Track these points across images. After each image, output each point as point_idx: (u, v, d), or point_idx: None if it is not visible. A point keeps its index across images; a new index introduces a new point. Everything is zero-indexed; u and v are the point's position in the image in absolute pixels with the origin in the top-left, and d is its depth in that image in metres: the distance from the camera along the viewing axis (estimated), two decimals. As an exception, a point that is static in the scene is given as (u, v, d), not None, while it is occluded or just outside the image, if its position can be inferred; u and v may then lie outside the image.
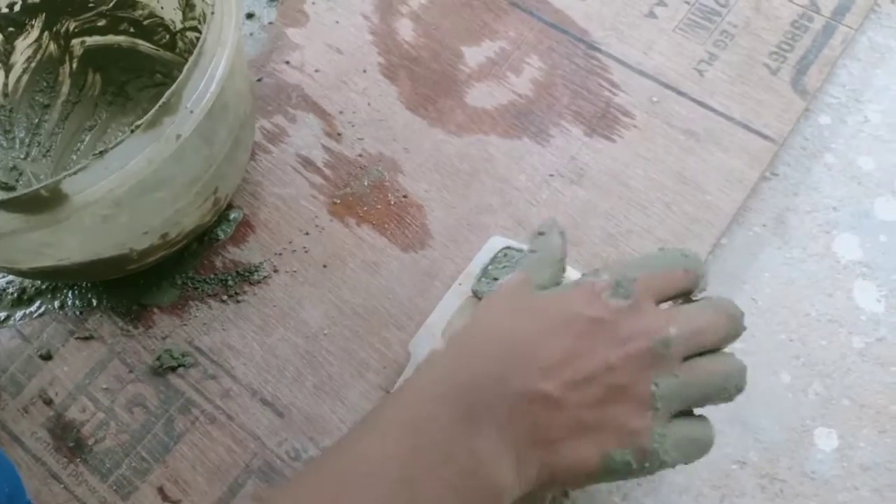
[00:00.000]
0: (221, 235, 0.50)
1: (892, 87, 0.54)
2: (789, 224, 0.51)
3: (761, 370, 0.47)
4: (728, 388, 0.37)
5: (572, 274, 0.46)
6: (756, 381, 0.46)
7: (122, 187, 0.38)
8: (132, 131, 0.36)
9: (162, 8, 0.53)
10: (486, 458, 0.32)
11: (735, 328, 0.37)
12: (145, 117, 0.37)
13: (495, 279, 0.45)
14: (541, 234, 0.41)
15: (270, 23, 0.59)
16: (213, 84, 0.39)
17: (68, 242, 0.41)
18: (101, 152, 0.36)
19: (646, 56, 0.55)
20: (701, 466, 0.44)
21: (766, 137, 0.51)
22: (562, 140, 0.52)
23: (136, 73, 0.56)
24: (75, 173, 0.36)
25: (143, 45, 0.56)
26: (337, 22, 0.59)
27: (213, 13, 0.40)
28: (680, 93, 0.53)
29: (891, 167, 0.52)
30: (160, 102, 0.37)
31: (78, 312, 0.50)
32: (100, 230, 0.41)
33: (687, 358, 0.36)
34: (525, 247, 0.46)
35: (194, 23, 0.52)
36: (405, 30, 0.58)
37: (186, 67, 0.38)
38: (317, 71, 0.56)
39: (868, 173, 0.52)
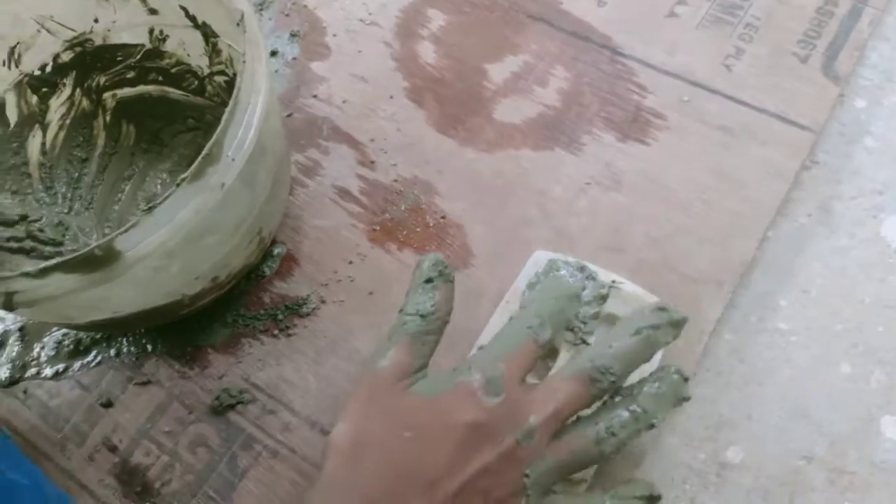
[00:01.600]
0: (267, 272, 0.52)
1: (925, 64, 0.54)
2: (835, 212, 0.51)
3: (820, 362, 0.47)
4: (601, 450, 0.39)
5: (604, 276, 0.46)
6: (816, 374, 0.46)
7: (172, 240, 0.39)
8: (178, 185, 0.38)
9: (188, 55, 0.55)
10: None
11: (596, 389, 0.39)
12: (190, 169, 0.38)
13: None
14: (427, 281, 0.41)
15: (294, 58, 0.61)
16: (251, 130, 0.41)
17: (122, 296, 0.42)
18: (150, 208, 0.38)
19: (671, 56, 0.55)
20: (767, 464, 0.44)
21: (802, 127, 0.52)
22: (595, 147, 0.53)
23: (168, 121, 0.58)
24: (127, 231, 0.37)
25: (174, 92, 0.58)
26: (359, 52, 0.60)
27: (244, 61, 0.41)
28: (710, 90, 0.54)
29: (933, 145, 0.52)
30: (203, 154, 0.38)
31: (134, 359, 0.51)
32: (153, 281, 0.42)
33: (557, 433, 0.39)
34: (572, 259, 0.47)
35: (221, 66, 0.54)
36: (427, 53, 0.59)
37: (224, 117, 0.39)
38: (344, 102, 0.58)
39: (910, 153, 0.52)
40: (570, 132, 0.54)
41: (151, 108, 0.59)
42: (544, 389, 0.39)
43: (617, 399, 0.41)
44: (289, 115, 0.58)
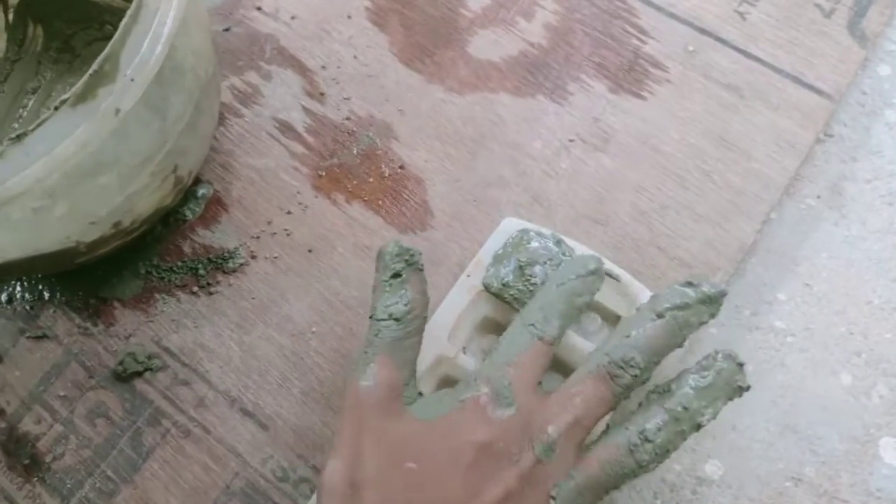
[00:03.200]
0: (189, 215, 0.43)
1: (965, 30, 0.46)
2: (847, 195, 0.43)
3: (818, 369, 0.40)
4: (637, 459, 0.32)
5: (581, 252, 0.38)
6: (812, 383, 0.40)
7: (52, 175, 0.30)
8: (56, 108, 0.28)
9: None
10: None
11: (618, 386, 0.33)
12: (73, 89, 0.29)
13: (518, 269, 0.38)
14: (395, 276, 0.34)
15: (240, -40, 0.50)
16: (159, 43, 0.31)
17: (-2, 240, 0.33)
18: (18, 136, 0.28)
19: (680, -4, 0.46)
20: (750, 482, 0.38)
21: (820, 93, 0.43)
22: (583, 98, 0.44)
23: (82, 25, 0.48)
24: (-12, 162, 0.28)
25: None
26: (318, -42, 0.50)
27: None
28: (719, 40, 0.45)
29: (964, 125, 0.44)
30: (91, 70, 0.29)
31: (28, 307, 0.43)
32: (34, 224, 0.33)
33: (584, 445, 0.33)
34: (547, 231, 0.39)
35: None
36: (397, -33, 0.49)
37: (123, 24, 0.30)
38: (293, 18, 0.48)
39: (937, 133, 0.44)
40: (556, 77, 0.45)
41: (63, 9, 0.48)
42: (560, 395, 0.33)
43: (653, 397, 0.34)
44: (226, 30, 0.48)
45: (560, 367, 0.39)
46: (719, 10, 0.46)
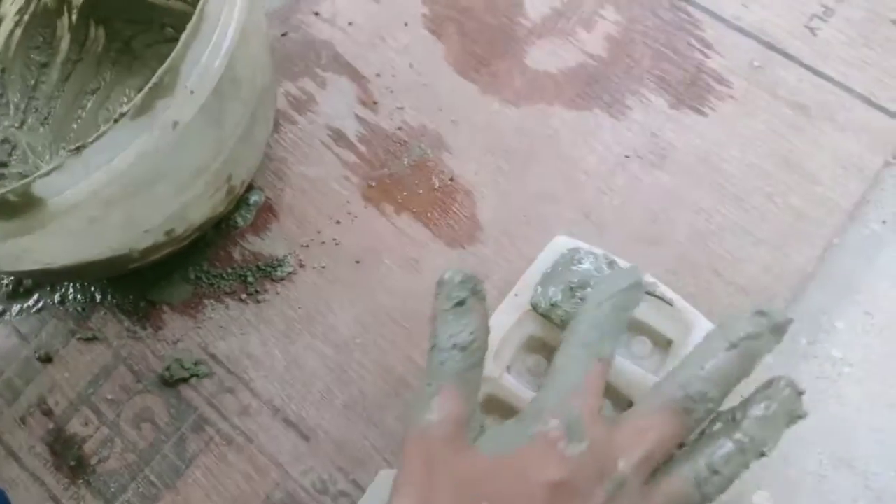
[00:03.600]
0: (241, 222, 0.43)
1: None
2: (916, 221, 0.41)
3: (876, 401, 0.38)
4: (704, 492, 0.31)
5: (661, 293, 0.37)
6: (869, 416, 0.38)
7: (109, 187, 0.30)
8: (115, 120, 0.28)
9: None
10: None
11: (692, 420, 0.31)
12: (133, 101, 0.29)
13: (568, 290, 0.37)
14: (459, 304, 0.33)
15: (297, -36, 0.50)
16: (219, 56, 0.31)
17: (52, 247, 0.33)
18: (77, 147, 0.28)
19: (746, 9, 0.44)
20: (801, 518, 0.37)
21: (892, 114, 0.41)
22: (641, 113, 0.43)
23: (142, 27, 0.48)
24: (48, 174, 0.29)
25: None
26: (374, -37, 0.49)
27: None
28: (787, 56, 0.43)
29: None
30: (151, 83, 0.29)
31: (80, 309, 0.43)
32: (89, 233, 0.33)
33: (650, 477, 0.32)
34: (598, 250, 0.38)
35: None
36: (454, -27, 0.48)
37: (184, 37, 0.29)
38: (350, 24, 0.47)
39: None
40: (614, 90, 0.44)
41: (125, 10, 0.48)
42: (631, 427, 0.31)
43: (716, 427, 0.32)
44: (283, 35, 0.47)
45: (607, 390, 0.38)
46: (789, 24, 0.44)
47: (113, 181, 0.30)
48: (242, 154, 0.38)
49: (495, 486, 0.30)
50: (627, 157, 0.42)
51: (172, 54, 0.30)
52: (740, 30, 0.44)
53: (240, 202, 0.43)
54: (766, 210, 0.40)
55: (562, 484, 0.29)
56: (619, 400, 0.37)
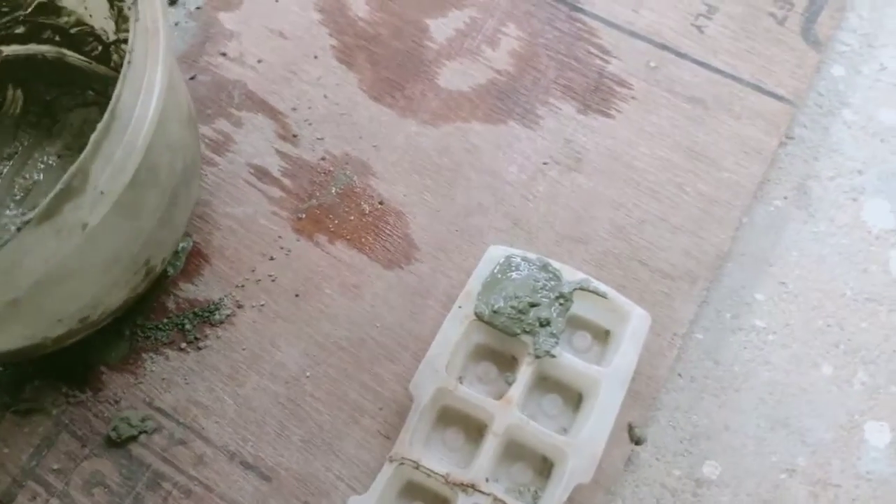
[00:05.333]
0: (171, 271, 0.41)
1: (906, 28, 0.47)
2: (813, 194, 0.44)
3: (801, 363, 0.40)
4: None
5: (569, 275, 0.38)
6: (796, 377, 0.40)
7: (15, 291, 0.28)
8: (18, 229, 0.27)
9: (91, 16, 0.42)
10: None
11: None
12: (38, 209, 0.27)
13: (509, 296, 0.37)
14: None
15: (198, 7, 0.49)
16: (133, 151, 0.29)
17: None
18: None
19: (636, 14, 0.46)
20: (747, 479, 0.38)
21: (780, 98, 0.44)
22: (553, 120, 0.44)
23: (64, 89, 0.45)
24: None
25: (72, 56, 0.45)
26: (276, 0, 0.49)
27: (129, 61, 0.30)
28: (679, 54, 0.45)
29: (914, 118, 0.45)
30: (58, 187, 0.27)
31: (12, 381, 0.40)
32: (-2, 324, 0.31)
33: None
34: (532, 255, 0.39)
35: (129, 35, 0.42)
36: (358, 4, 0.48)
37: (93, 137, 0.28)
38: (259, 62, 0.47)
39: (891, 128, 0.45)
40: (525, 102, 0.45)
41: (44, 73, 0.45)
42: None
43: None
44: (191, 78, 0.46)
45: (555, 386, 0.38)
46: (677, 24, 0.46)
47: (19, 286, 0.28)
48: (162, 237, 0.36)
49: None
50: (545, 163, 0.43)
51: (81, 156, 0.28)
52: (634, 34, 0.46)
53: (169, 250, 0.41)
54: (679, 199, 0.42)
55: None
56: (569, 393, 0.38)
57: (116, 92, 0.29)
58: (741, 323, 0.41)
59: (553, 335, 0.37)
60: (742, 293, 0.42)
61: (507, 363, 0.39)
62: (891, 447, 0.39)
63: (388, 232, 0.42)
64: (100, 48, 0.44)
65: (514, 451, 0.37)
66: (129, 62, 0.30)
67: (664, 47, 0.45)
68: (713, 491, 0.38)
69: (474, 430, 0.37)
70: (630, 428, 0.38)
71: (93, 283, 0.33)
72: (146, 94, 0.30)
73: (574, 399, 0.38)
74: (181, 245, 0.42)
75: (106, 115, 0.29)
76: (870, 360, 0.40)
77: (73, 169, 0.28)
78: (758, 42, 0.45)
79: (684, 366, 0.41)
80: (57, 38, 0.44)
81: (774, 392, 0.40)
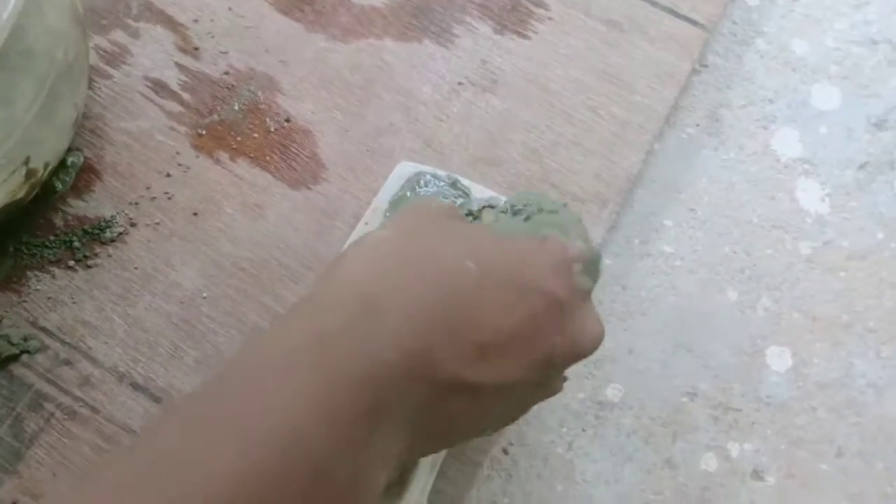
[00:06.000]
0: (59, 186, 0.38)
1: (822, -40, 0.46)
2: (724, 122, 0.43)
3: (706, 288, 0.40)
4: None
5: (478, 192, 0.37)
6: (702, 302, 0.40)
7: None
8: None
9: None
10: (369, 467, 0.22)
11: None
12: None
13: None
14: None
15: (96, -88, 0.45)
16: None
17: None
18: None
19: (556, -65, 0.44)
20: (649, 402, 0.38)
21: (695, 23, 0.43)
22: (469, 40, 0.42)
23: None
24: None
25: None
26: None
27: None
28: (598, -24, 0.44)
29: (825, 50, 0.45)
30: None
31: None
32: None
33: None
34: (442, 172, 0.37)
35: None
36: (268, -86, 0.45)
37: None
38: (161, -30, 0.43)
39: (802, 58, 0.44)
40: (441, 20, 0.43)
41: None
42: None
43: None
44: (87, -14, 0.43)
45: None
46: (595, -53, 0.44)
47: None
48: (41, 135, 0.33)
49: (490, 259, 0.25)
50: (460, 84, 0.42)
51: None
52: (553, -45, 0.44)
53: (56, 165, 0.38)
54: (592, 122, 0.41)
55: (559, 303, 0.25)
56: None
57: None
58: (649, 248, 0.41)
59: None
60: (651, 219, 0.41)
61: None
62: (791, 372, 0.39)
63: (294, 150, 0.40)
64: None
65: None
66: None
67: (583, -31, 0.44)
68: (615, 413, 0.38)
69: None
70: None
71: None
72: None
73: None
74: (70, 160, 0.39)
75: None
76: (774, 287, 0.40)
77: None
78: (676, -34, 0.44)
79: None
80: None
81: (679, 317, 0.40)
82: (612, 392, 0.38)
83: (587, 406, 0.38)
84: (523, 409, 0.28)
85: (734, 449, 0.37)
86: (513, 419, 0.28)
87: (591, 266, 0.27)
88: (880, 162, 0.43)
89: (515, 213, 0.29)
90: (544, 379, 0.27)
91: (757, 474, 0.37)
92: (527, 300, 0.25)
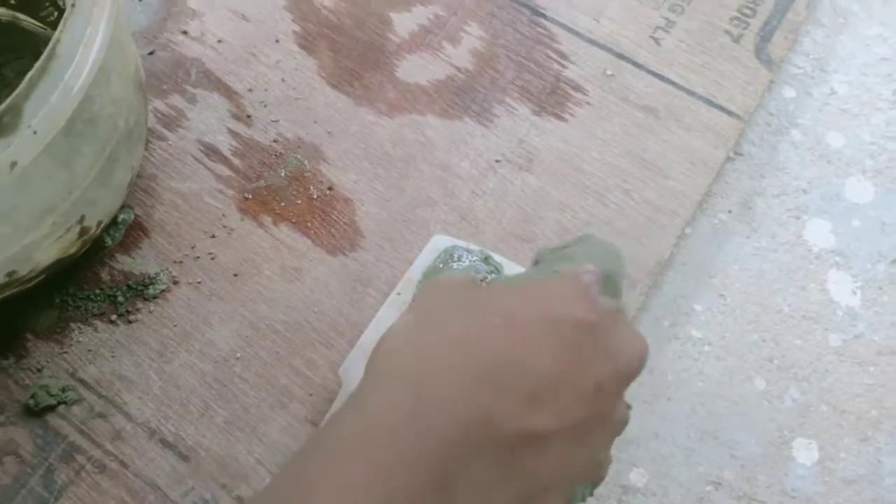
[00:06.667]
0: (109, 241, 0.39)
1: (857, 55, 0.46)
2: (757, 210, 0.43)
3: (734, 376, 0.39)
4: None
5: (510, 269, 0.37)
6: (729, 389, 0.39)
7: None
8: None
9: None
10: None
11: None
12: None
13: None
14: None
15: (164, -15, 0.47)
16: (70, 95, 0.28)
17: None
18: None
19: (597, 23, 0.45)
20: (673, 489, 0.37)
21: (730, 113, 0.43)
22: (508, 120, 0.43)
23: (16, 54, 0.43)
24: None
25: (26, 20, 0.43)
26: (244, -16, 0.47)
27: (73, 4, 0.28)
28: (636, 64, 0.44)
29: (860, 144, 0.44)
30: None
31: (-69, 341, 0.38)
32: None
33: None
34: (475, 247, 0.37)
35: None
36: (324, -7, 0.47)
37: (30, 74, 0.27)
38: (220, 42, 0.45)
39: (837, 151, 0.44)
40: (482, 100, 0.43)
41: None
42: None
43: None
44: (150, 54, 0.45)
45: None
46: (636, 35, 0.45)
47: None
48: (98, 196, 0.34)
49: (515, 305, 0.25)
50: (497, 161, 0.42)
51: (15, 92, 0.27)
52: (593, 42, 0.45)
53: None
54: (625, 204, 0.41)
55: (590, 326, 0.25)
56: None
57: (56, 32, 0.28)
58: (678, 332, 0.40)
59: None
60: (681, 302, 0.41)
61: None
62: (817, 466, 0.38)
63: (334, 218, 0.41)
64: (56, 14, 0.42)
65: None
66: (72, 5, 0.28)
67: (621, 56, 0.44)
68: (639, 499, 0.37)
69: (403, 420, 0.36)
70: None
71: (22, 232, 0.31)
72: (88, 39, 0.29)
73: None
74: (121, 217, 0.40)
75: (44, 54, 0.27)
76: (802, 378, 0.39)
77: (5, 105, 0.26)
78: (712, 57, 0.44)
79: (620, 371, 0.39)
80: (11, 1, 0.42)
81: (706, 403, 0.39)
82: (636, 477, 0.37)
83: (611, 489, 0.37)
84: (600, 453, 0.27)
85: (759, 544, 0.36)
86: (597, 469, 0.27)
87: (609, 284, 0.27)
88: (914, 257, 0.42)
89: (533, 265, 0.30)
90: (605, 410, 0.26)
91: (783, 573, 0.35)
92: (558, 333, 0.24)
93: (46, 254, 0.34)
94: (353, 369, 0.35)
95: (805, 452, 0.38)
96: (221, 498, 0.35)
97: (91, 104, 0.31)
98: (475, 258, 0.37)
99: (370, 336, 0.36)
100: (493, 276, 0.37)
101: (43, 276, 0.35)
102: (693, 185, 0.42)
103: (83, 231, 0.35)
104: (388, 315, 0.37)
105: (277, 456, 0.35)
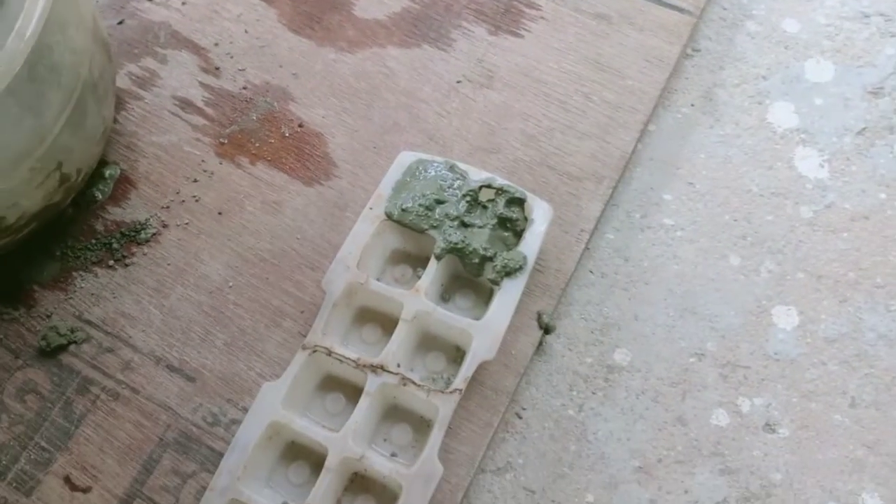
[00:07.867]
0: (99, 196, 0.48)
1: (807, -56, 0.54)
2: (718, 100, 0.50)
3: (708, 256, 0.47)
4: None
5: (475, 174, 0.44)
6: (704, 269, 0.46)
7: None
8: None
9: None
10: None
11: None
12: None
13: (418, 195, 0.44)
14: None
15: (126, -41, 0.56)
16: (24, 40, 0.36)
17: None
18: None
19: (545, -58, 0.54)
20: (657, 364, 0.44)
21: (682, 10, 0.51)
22: (465, 43, 0.51)
23: None
24: None
25: None
26: (201, -51, 0.56)
27: None
28: (586, -24, 0.52)
29: (816, 27, 0.52)
30: None
31: (-55, 305, 0.47)
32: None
33: None
34: (440, 159, 0.45)
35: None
36: (279, -52, 0.56)
37: None
38: (184, 3, 0.54)
39: (793, 36, 0.52)
40: (439, 27, 0.52)
41: None
42: None
43: None
44: (120, 23, 0.54)
45: (468, 283, 0.45)
46: (583, -50, 0.53)
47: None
48: (71, 143, 0.43)
49: None
50: (459, 82, 0.50)
51: None
52: (542, -40, 0.53)
53: (96, 177, 0.48)
54: (586, 107, 0.49)
55: None
56: (481, 289, 0.44)
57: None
58: (650, 222, 0.48)
59: (459, 227, 0.44)
60: (650, 194, 0.48)
61: (422, 265, 0.45)
62: (798, 329, 0.45)
63: (307, 152, 0.49)
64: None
65: (428, 342, 0.43)
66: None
67: (570, -31, 0.52)
68: (624, 376, 0.44)
69: (390, 324, 0.43)
70: (539, 316, 0.44)
71: (2, 176, 0.39)
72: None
73: (486, 293, 0.44)
74: (108, 172, 0.48)
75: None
76: (777, 250, 0.46)
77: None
78: (659, -40, 0.52)
79: (595, 263, 0.47)
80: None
81: (683, 283, 0.46)
82: (620, 356, 0.45)
83: (596, 370, 0.44)
84: None
85: (745, 404, 0.43)
86: None
87: None
88: (879, 127, 0.49)
89: None
90: None
91: (769, 427, 0.42)
92: None
93: (31, 200, 0.42)
94: (334, 280, 0.43)
95: (785, 318, 0.45)
96: (228, 410, 0.43)
97: (50, 52, 0.39)
98: (441, 168, 0.45)
99: (347, 249, 0.44)
100: (460, 182, 0.45)
101: (34, 225, 0.43)
102: (650, 82, 0.49)
103: (63, 178, 0.44)
104: (362, 229, 0.44)
105: (276, 368, 0.43)
